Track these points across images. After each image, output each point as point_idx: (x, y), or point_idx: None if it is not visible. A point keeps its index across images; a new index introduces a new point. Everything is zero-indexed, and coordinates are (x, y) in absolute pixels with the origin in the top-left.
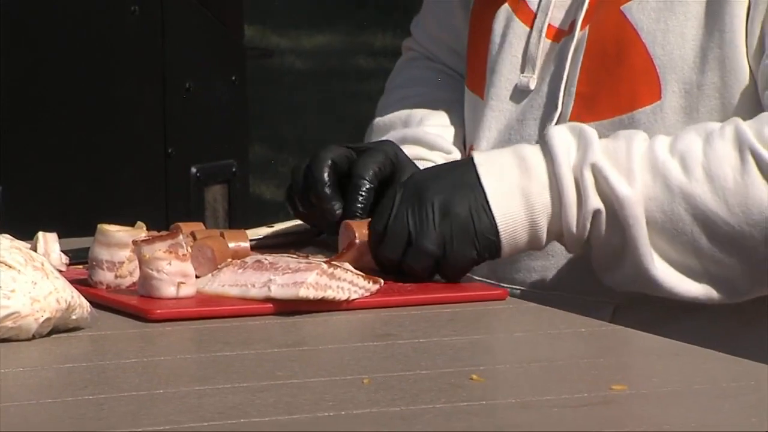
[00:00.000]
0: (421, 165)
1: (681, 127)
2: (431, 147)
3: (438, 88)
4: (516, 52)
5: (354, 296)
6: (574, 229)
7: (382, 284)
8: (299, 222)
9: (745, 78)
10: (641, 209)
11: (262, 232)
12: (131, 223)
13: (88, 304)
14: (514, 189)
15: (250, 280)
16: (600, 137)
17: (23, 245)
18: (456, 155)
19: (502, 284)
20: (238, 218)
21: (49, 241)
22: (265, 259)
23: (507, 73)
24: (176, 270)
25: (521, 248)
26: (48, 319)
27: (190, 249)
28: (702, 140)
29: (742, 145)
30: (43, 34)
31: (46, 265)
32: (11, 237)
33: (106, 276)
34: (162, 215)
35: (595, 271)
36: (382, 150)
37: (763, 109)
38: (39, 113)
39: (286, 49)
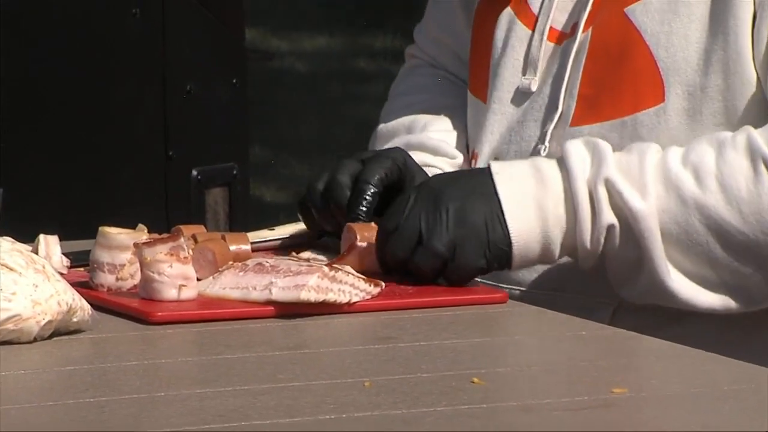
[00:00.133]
0: (428, 171)
1: (685, 130)
2: (436, 152)
3: (441, 94)
4: (518, 55)
5: (355, 299)
6: (588, 244)
7: (383, 287)
8: (300, 225)
9: (749, 81)
10: (655, 222)
11: (263, 234)
12: (132, 226)
13: (89, 306)
14: (530, 201)
15: (251, 283)
16: (602, 139)
17: (24, 248)
18: (460, 160)
19: (501, 285)
20: (239, 221)
21: (50, 244)
22: (267, 262)
23: (509, 77)
24: (177, 273)
25: (532, 260)
26: (49, 322)
27: (191, 252)
28: (714, 150)
29: (754, 154)
30: (45, 36)
31: (47, 267)
32: (12, 239)
33: (107, 278)
34: (163, 218)
35: (612, 285)
36: (390, 156)
37: None
38: (40, 115)
39: (286, 51)
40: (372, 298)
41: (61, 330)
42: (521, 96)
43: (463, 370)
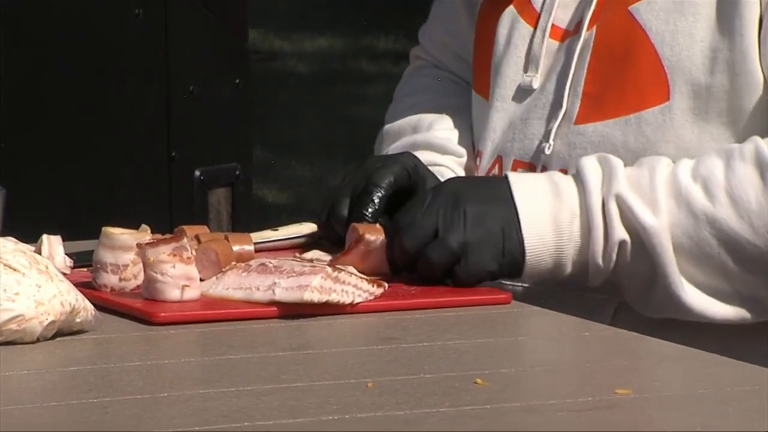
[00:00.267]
0: (436, 170)
1: (690, 129)
2: (443, 151)
3: (445, 95)
4: (520, 52)
5: (358, 300)
6: (600, 261)
7: (386, 288)
8: (304, 225)
9: (755, 82)
10: (667, 236)
11: (266, 235)
12: (135, 226)
13: (92, 307)
14: (546, 214)
15: (254, 284)
16: (606, 137)
17: (27, 248)
18: (467, 158)
19: (503, 282)
20: (242, 221)
21: (53, 244)
22: (270, 263)
23: (511, 74)
24: (180, 273)
25: (542, 273)
26: (52, 322)
27: (194, 252)
28: (723, 163)
29: (762, 165)
30: (47, 37)
31: (50, 268)
32: (15, 240)
33: (110, 279)
34: (166, 218)
35: (627, 301)
36: (400, 161)
37: None
38: (43, 116)
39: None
40: (375, 298)
41: (64, 330)
42: (523, 93)
43: (467, 370)
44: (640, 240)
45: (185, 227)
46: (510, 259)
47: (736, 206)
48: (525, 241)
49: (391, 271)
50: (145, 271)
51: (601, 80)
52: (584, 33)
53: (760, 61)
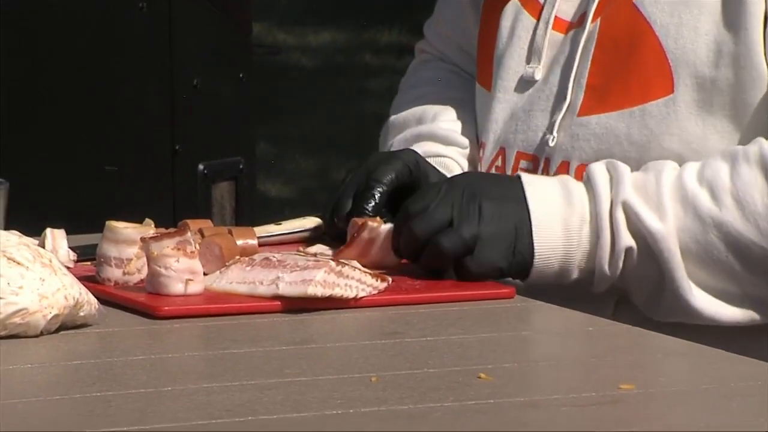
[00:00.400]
0: (439, 161)
1: (694, 121)
2: (447, 142)
3: (450, 87)
4: (523, 44)
5: (362, 294)
6: (607, 268)
7: (390, 282)
8: (307, 219)
9: (760, 76)
10: (675, 241)
11: (269, 229)
12: (139, 220)
13: (95, 300)
14: (557, 218)
15: (258, 278)
16: (610, 129)
17: (31, 242)
18: (471, 150)
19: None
20: (246, 215)
21: (57, 238)
22: (273, 257)
23: (514, 65)
24: (184, 267)
25: (549, 277)
26: (56, 316)
27: (198, 246)
28: (728, 166)
29: (767, 167)
30: (52, 31)
31: (54, 261)
32: (19, 233)
33: (114, 273)
34: (169, 212)
35: (638, 307)
36: (401, 158)
37: None
38: (46, 110)
39: (292, 46)
40: (379, 293)
41: (67, 324)
42: (525, 84)
43: (470, 365)
44: (647, 245)
45: (189, 221)
46: (520, 259)
47: (742, 209)
48: (535, 243)
49: (396, 255)
50: (148, 265)
51: (605, 72)
52: (588, 25)
53: (765, 55)
